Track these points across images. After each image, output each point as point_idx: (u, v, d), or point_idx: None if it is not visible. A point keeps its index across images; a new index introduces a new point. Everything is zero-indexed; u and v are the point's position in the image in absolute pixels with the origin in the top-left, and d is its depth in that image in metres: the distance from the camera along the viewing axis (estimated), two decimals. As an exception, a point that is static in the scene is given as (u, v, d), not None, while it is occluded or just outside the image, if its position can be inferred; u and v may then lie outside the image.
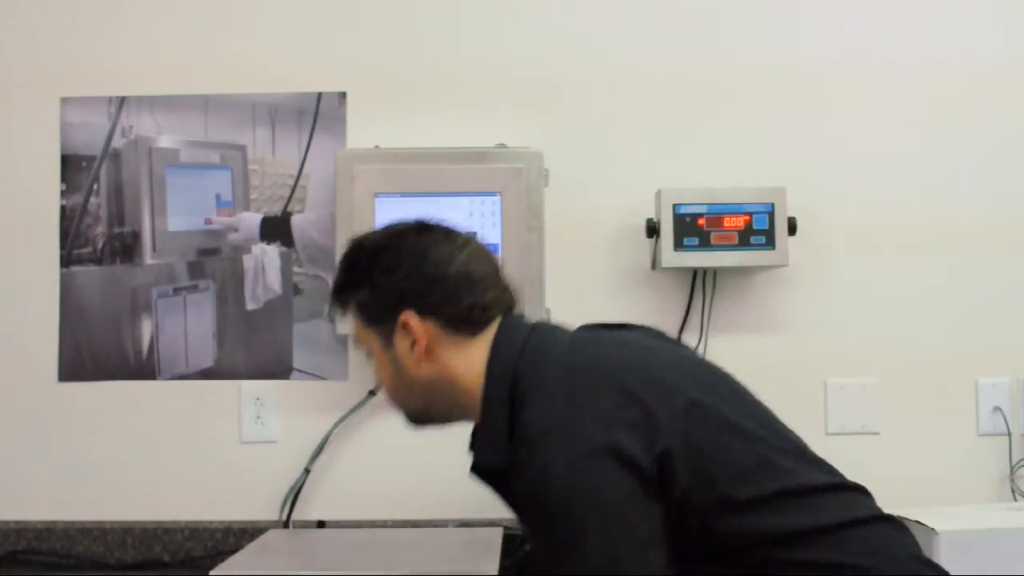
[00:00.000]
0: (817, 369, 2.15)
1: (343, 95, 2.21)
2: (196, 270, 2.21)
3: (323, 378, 2.19)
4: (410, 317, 1.37)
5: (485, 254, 1.43)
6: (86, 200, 2.22)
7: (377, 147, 2.15)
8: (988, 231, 2.17)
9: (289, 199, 2.21)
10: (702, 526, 1.24)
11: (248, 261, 2.21)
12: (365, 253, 1.41)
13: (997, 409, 2.14)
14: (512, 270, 2.05)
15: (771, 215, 2.04)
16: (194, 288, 2.21)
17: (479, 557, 1.78)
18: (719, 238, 2.04)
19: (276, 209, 2.22)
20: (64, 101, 2.23)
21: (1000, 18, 2.19)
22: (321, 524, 2.13)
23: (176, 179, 2.22)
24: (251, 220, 2.22)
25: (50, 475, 2.19)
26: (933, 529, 1.63)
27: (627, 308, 2.11)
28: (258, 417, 2.19)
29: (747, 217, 2.04)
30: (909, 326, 2.16)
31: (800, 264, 2.12)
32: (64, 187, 2.23)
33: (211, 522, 2.16)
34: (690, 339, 2.12)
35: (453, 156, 2.10)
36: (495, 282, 1.42)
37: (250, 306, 2.20)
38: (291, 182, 2.22)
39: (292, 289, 2.20)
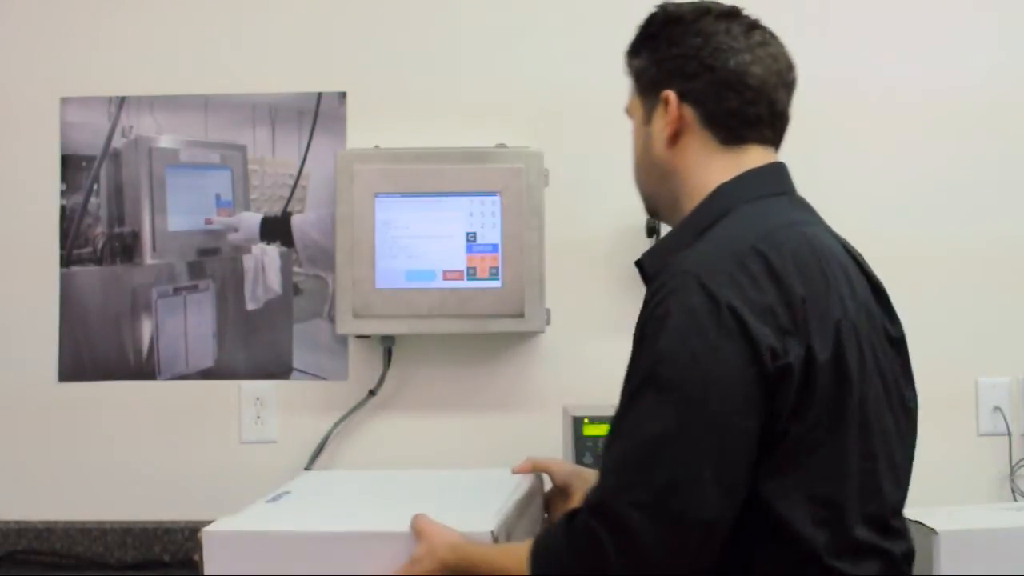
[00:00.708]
0: (817, 369, 2.15)
1: (343, 95, 2.21)
2: (196, 270, 2.21)
3: (323, 378, 2.19)
4: (671, 96, 1.28)
5: (778, 66, 1.28)
6: (86, 200, 2.22)
7: (377, 147, 2.15)
8: (988, 231, 2.17)
9: (289, 199, 2.21)
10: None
11: (248, 261, 2.21)
12: (659, 20, 1.32)
13: (997, 409, 2.14)
14: (512, 270, 2.08)
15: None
16: (194, 288, 2.21)
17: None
18: (719, 238, 2.04)
19: (276, 209, 2.22)
20: (64, 101, 2.23)
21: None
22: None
23: (176, 179, 2.22)
24: (251, 220, 2.22)
25: (50, 475, 2.19)
26: (933, 529, 1.63)
27: (627, 308, 2.10)
28: (258, 417, 2.19)
29: (747, 217, 2.04)
30: (909, 326, 2.15)
31: (800, 264, 2.11)
32: (64, 187, 2.23)
33: (211, 522, 2.15)
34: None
35: (453, 156, 2.10)
36: (769, 100, 1.27)
37: (250, 306, 2.21)
38: (291, 182, 2.22)
39: (292, 289, 2.20)
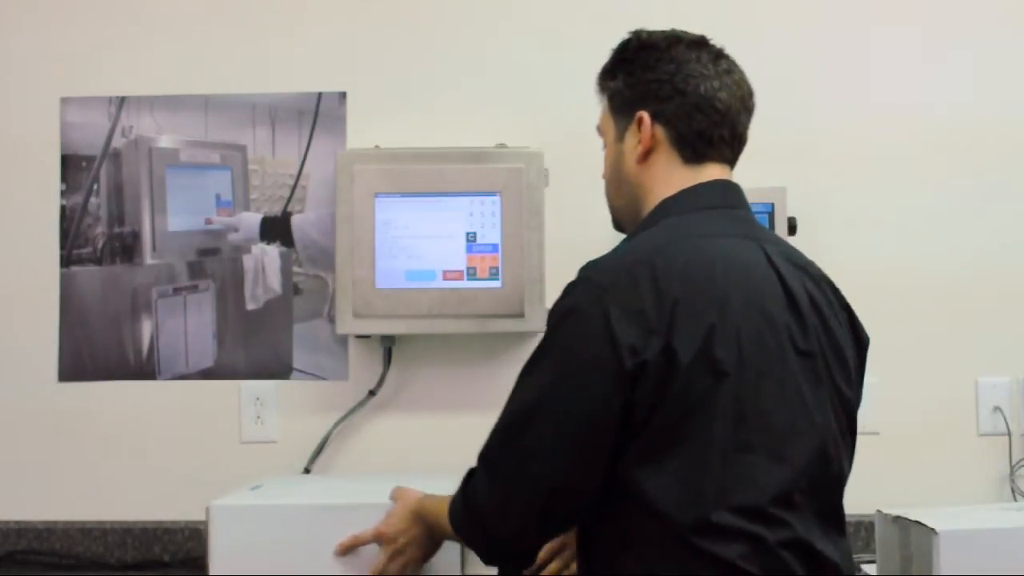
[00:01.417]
0: (817, 369, 2.15)
1: (343, 95, 2.21)
2: (196, 270, 2.21)
3: (323, 378, 2.19)
4: (645, 116, 1.39)
5: (741, 92, 1.40)
6: (86, 200, 2.22)
7: (377, 147, 2.15)
8: (988, 230, 2.17)
9: (289, 199, 2.21)
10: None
11: (248, 261, 2.21)
12: (634, 46, 1.44)
13: (997, 409, 2.14)
14: (512, 270, 2.08)
15: (771, 215, 2.04)
16: (194, 288, 2.21)
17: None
18: (719, 238, 2.04)
19: (276, 209, 2.22)
20: (64, 101, 2.23)
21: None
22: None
23: (176, 179, 2.22)
24: (251, 220, 2.22)
25: (50, 475, 2.19)
26: (933, 529, 1.63)
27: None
28: (258, 417, 2.19)
29: (747, 217, 2.04)
30: (909, 326, 2.16)
31: (800, 264, 2.11)
32: (64, 187, 2.23)
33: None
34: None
35: (453, 156, 2.10)
36: (732, 123, 1.39)
37: (250, 306, 2.21)
38: (291, 182, 2.22)
39: (292, 289, 2.20)
